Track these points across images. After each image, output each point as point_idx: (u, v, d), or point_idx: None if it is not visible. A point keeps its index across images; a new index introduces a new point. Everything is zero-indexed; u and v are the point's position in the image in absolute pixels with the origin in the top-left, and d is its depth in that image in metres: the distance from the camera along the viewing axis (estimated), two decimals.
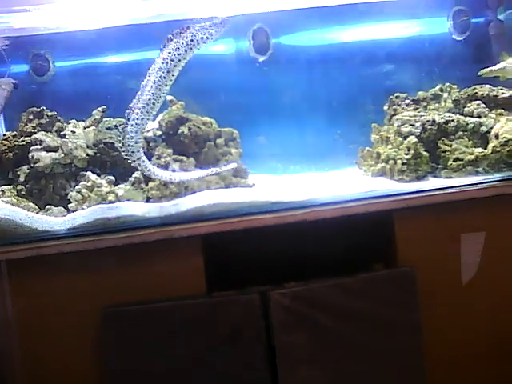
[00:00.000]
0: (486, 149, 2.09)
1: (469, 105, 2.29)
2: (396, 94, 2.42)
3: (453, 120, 2.17)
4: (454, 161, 2.07)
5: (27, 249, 1.78)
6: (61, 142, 2.11)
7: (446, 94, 2.38)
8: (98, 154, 2.14)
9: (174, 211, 1.92)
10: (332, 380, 1.81)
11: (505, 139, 2.03)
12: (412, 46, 2.66)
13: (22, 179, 2.08)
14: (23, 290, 1.81)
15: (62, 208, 2.00)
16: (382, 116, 2.43)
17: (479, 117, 2.21)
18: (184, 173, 1.99)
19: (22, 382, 1.81)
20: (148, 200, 2.02)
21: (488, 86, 2.33)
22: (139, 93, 1.87)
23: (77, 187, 2.01)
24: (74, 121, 2.23)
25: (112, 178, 2.04)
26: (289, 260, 1.99)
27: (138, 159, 1.86)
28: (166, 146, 2.16)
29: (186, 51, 1.87)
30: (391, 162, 2.10)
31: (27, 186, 2.08)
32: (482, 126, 2.16)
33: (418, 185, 2.01)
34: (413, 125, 2.18)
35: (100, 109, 2.26)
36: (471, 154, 2.07)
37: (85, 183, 2.01)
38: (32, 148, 2.09)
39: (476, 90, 2.32)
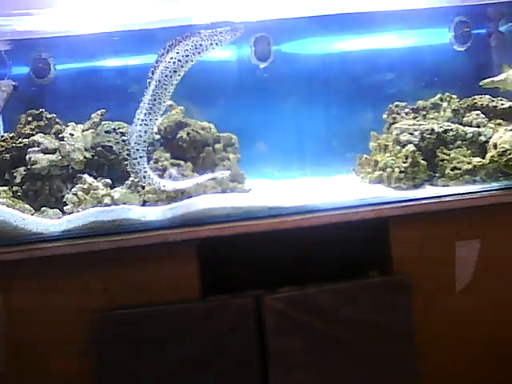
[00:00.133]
0: (484, 158, 2.09)
1: (468, 114, 2.30)
2: (395, 103, 2.42)
3: (452, 129, 2.17)
4: (452, 170, 2.07)
5: (21, 250, 1.78)
6: (59, 145, 2.12)
7: (445, 104, 2.38)
8: (96, 157, 2.15)
9: (169, 215, 1.91)
10: None
11: (503, 149, 2.03)
12: (413, 56, 2.67)
13: (18, 180, 2.08)
14: (16, 291, 1.79)
15: (58, 210, 2.00)
16: (381, 124, 2.43)
17: (478, 127, 2.22)
18: (180, 182, 1.98)
19: None
20: (144, 203, 2.01)
21: (487, 96, 2.34)
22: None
23: (73, 189, 2.01)
24: (73, 123, 2.24)
25: (108, 180, 2.04)
26: (285, 265, 1.98)
27: (142, 169, 1.88)
28: (164, 150, 2.17)
29: (193, 54, 1.89)
30: (389, 169, 2.10)
31: (23, 187, 2.08)
32: (480, 135, 2.17)
33: (414, 193, 2.01)
34: (411, 133, 2.18)
35: (99, 112, 2.27)
36: (469, 163, 2.08)
37: (81, 186, 2.01)
38: (29, 150, 2.09)
39: (475, 101, 2.34)
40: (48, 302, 1.79)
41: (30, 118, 2.20)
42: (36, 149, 2.09)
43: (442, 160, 2.11)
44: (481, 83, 2.29)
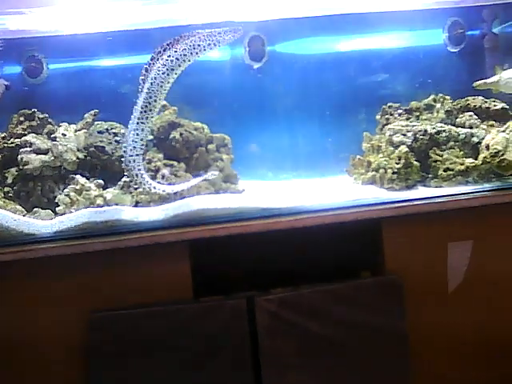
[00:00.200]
0: (476, 159, 2.10)
1: (461, 116, 2.30)
2: (389, 104, 2.42)
3: (444, 130, 2.18)
4: (445, 171, 2.08)
5: (13, 252, 1.76)
6: (51, 145, 2.11)
7: (438, 105, 2.38)
8: (89, 158, 2.14)
9: (162, 216, 1.91)
10: None
11: (495, 150, 2.04)
12: (407, 57, 2.68)
13: (9, 181, 2.07)
14: (7, 293, 1.78)
15: (50, 211, 1.99)
16: (375, 125, 2.43)
17: (471, 128, 2.23)
18: (174, 186, 1.97)
19: None
20: (137, 204, 2.01)
21: (480, 97, 2.35)
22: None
23: (65, 190, 2.00)
24: (66, 123, 2.23)
25: (101, 181, 2.03)
26: (278, 266, 1.98)
27: (138, 172, 1.88)
28: (157, 151, 2.17)
29: (191, 54, 1.89)
30: (381, 170, 2.10)
31: (15, 188, 2.07)
32: (473, 136, 2.18)
33: (407, 194, 2.01)
34: (404, 134, 2.19)
35: (92, 112, 2.26)
36: (462, 164, 2.08)
37: (73, 186, 2.00)
38: (21, 150, 2.08)
39: (468, 102, 2.35)
40: (39, 304, 1.78)
41: (22, 118, 2.19)
42: (28, 149, 2.08)
43: (435, 161, 2.12)
44: (474, 85, 2.30)
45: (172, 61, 1.88)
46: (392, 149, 2.16)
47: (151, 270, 1.81)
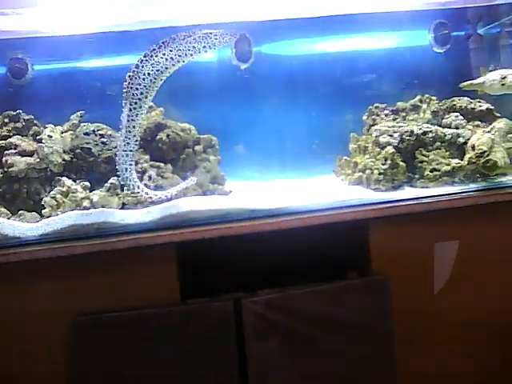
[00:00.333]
0: (462, 160, 2.11)
1: (447, 116, 2.32)
2: (375, 105, 2.44)
3: (431, 131, 2.19)
4: (431, 171, 2.09)
5: None
6: (37, 147, 2.09)
7: (425, 105, 2.40)
8: (75, 159, 2.12)
9: (149, 218, 1.90)
10: None
11: (480, 151, 2.05)
12: (393, 58, 2.69)
13: None
14: None
15: (36, 214, 1.98)
16: (362, 126, 2.44)
17: (457, 128, 2.24)
18: (162, 192, 1.97)
19: None
20: (123, 206, 2.00)
21: (466, 98, 2.37)
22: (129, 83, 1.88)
23: (51, 193, 1.98)
24: (51, 125, 2.21)
25: (87, 183, 2.02)
26: (265, 267, 1.98)
27: (129, 177, 1.88)
28: (144, 152, 2.15)
29: (186, 55, 1.88)
30: (368, 171, 2.11)
31: (0, 190, 2.05)
32: (459, 137, 2.19)
33: (393, 194, 2.02)
34: (391, 135, 2.20)
35: (78, 113, 2.25)
36: (448, 164, 2.09)
37: (60, 188, 1.98)
38: (6, 152, 2.06)
39: (454, 102, 2.37)
40: (24, 307, 1.77)
41: (6, 120, 2.17)
42: (13, 151, 2.07)
43: (421, 161, 2.13)
44: (460, 85, 2.32)
45: (167, 59, 1.87)
46: (378, 149, 2.17)
47: (138, 273, 1.80)
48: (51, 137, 2.13)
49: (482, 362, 1.97)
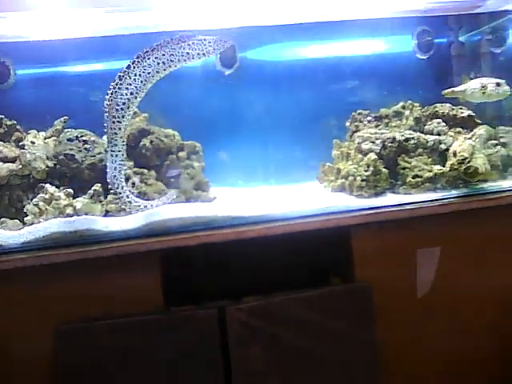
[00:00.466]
0: (444, 166, 2.13)
1: (429, 123, 2.34)
2: (358, 111, 2.45)
3: (413, 138, 2.21)
4: (413, 177, 2.11)
5: None
6: (19, 153, 2.08)
7: (407, 112, 2.42)
8: (58, 166, 2.11)
9: (132, 225, 1.89)
10: None
11: (462, 157, 2.07)
12: (377, 64, 2.71)
13: None
14: None
15: (18, 221, 1.96)
16: (345, 132, 2.46)
17: (439, 135, 2.26)
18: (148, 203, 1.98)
19: None
20: (107, 213, 1.99)
21: (448, 104, 2.39)
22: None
23: (34, 200, 1.97)
24: (34, 131, 2.20)
25: (70, 190, 2.00)
26: (249, 274, 1.98)
27: (120, 185, 1.90)
28: (128, 159, 2.14)
29: (179, 60, 1.89)
30: (351, 178, 2.12)
31: None
32: (441, 143, 2.21)
33: (376, 201, 2.04)
34: (373, 142, 2.21)
35: (62, 119, 2.23)
36: (430, 171, 2.11)
37: (43, 195, 1.97)
38: None
39: (437, 109, 2.39)
40: (6, 316, 1.76)
41: None
42: None
43: (404, 168, 2.15)
44: (443, 93, 2.34)
45: (159, 63, 1.88)
46: (361, 156, 2.19)
47: (122, 281, 1.80)
48: (34, 143, 2.12)
49: (468, 371, 1.99)
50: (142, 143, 2.16)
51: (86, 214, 1.93)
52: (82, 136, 2.16)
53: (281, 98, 2.60)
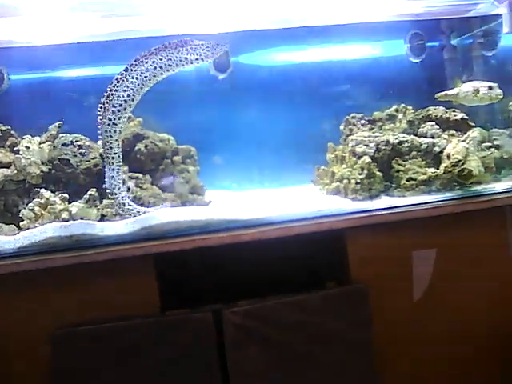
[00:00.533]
0: (438, 169, 2.15)
1: (423, 126, 2.35)
2: (352, 114, 2.46)
3: (407, 140, 2.22)
4: (408, 180, 2.12)
5: None
6: (14, 158, 2.07)
7: (401, 115, 2.44)
8: (53, 171, 2.11)
9: (128, 230, 1.90)
10: None
11: (456, 160, 2.08)
12: (370, 67, 2.72)
13: None
14: None
15: (14, 226, 1.95)
16: (339, 135, 2.47)
17: (432, 137, 2.27)
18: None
19: None
20: (102, 218, 1.99)
21: (441, 107, 2.40)
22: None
23: (29, 205, 1.96)
24: (29, 136, 2.19)
25: (66, 195, 2.00)
26: (244, 277, 1.98)
27: (118, 190, 1.91)
28: (122, 163, 2.14)
29: (177, 65, 1.90)
30: (345, 181, 2.13)
31: None
32: (434, 146, 2.22)
33: (371, 204, 2.05)
34: (367, 145, 2.22)
35: (57, 124, 2.23)
36: (424, 173, 2.13)
37: (38, 200, 1.96)
38: None
39: (430, 112, 2.40)
40: (3, 320, 1.75)
41: None
42: None
43: (398, 171, 2.16)
44: (436, 96, 2.35)
45: (156, 68, 1.88)
46: (355, 159, 2.19)
47: (117, 285, 1.80)
48: (29, 148, 2.12)
49: (462, 372, 2.00)
50: (136, 148, 2.16)
51: (82, 219, 1.93)
52: (76, 141, 2.16)
53: (275, 102, 2.60)
